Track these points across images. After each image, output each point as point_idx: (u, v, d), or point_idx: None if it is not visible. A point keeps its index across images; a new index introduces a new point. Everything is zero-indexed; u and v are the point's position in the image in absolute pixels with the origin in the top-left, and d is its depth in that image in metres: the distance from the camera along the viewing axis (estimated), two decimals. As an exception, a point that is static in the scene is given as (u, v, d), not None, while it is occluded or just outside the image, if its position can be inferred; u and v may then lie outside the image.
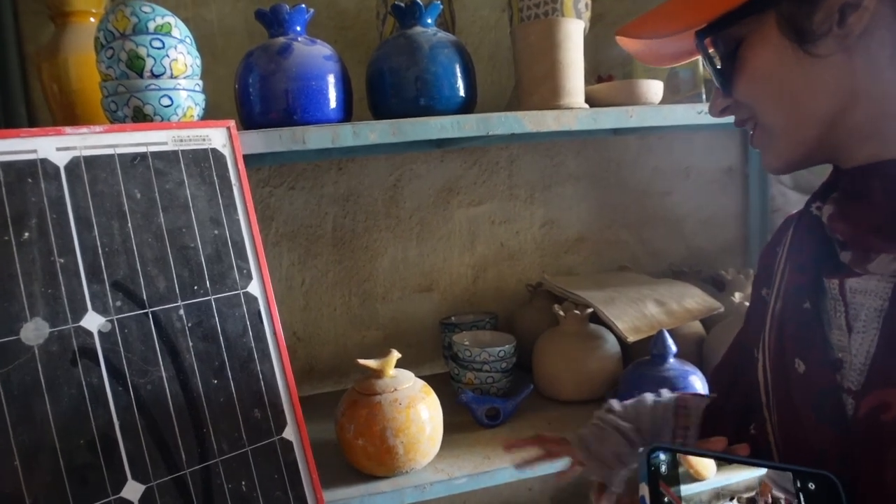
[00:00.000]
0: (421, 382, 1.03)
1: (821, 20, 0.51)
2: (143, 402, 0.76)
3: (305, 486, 0.85)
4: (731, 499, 0.48)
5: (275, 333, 0.87)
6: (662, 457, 0.48)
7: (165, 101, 0.88)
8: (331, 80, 0.97)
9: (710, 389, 0.84)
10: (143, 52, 0.86)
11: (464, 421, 1.16)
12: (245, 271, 0.86)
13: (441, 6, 1.06)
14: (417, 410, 0.98)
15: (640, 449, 0.49)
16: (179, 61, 0.88)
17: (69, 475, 0.70)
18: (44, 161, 0.75)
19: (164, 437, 0.77)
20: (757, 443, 0.65)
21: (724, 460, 0.49)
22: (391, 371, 1.03)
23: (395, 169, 1.40)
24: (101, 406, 0.74)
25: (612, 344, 1.22)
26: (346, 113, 1.01)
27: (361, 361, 1.01)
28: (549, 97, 1.04)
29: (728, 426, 0.73)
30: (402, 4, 1.03)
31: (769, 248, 0.71)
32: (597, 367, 1.19)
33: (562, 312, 1.24)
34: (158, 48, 0.86)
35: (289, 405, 0.86)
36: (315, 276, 1.37)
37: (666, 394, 0.80)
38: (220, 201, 0.86)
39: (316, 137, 0.92)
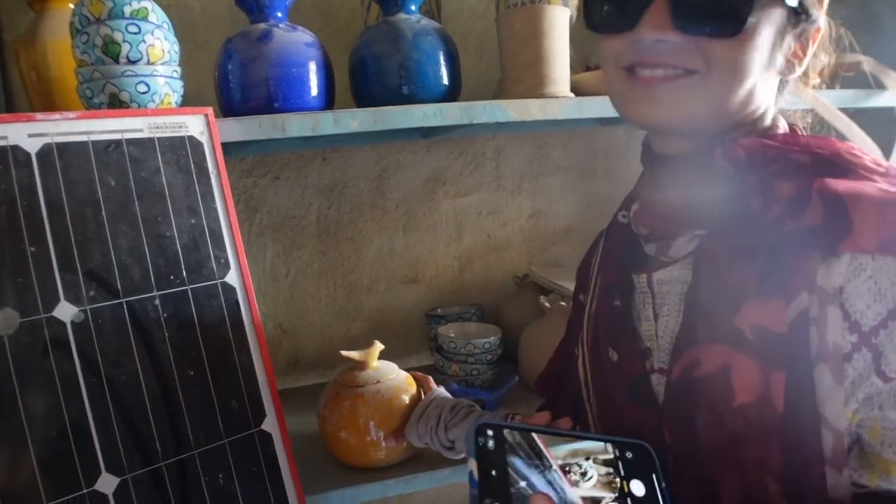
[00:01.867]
0: (404, 374, 1.02)
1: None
2: (118, 394, 0.75)
3: (285, 479, 0.84)
4: (588, 458, 0.49)
5: (253, 323, 0.85)
6: (490, 433, 0.49)
7: (142, 88, 0.86)
8: (312, 67, 0.96)
9: (541, 395, 0.91)
10: (118, 37, 0.84)
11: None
12: (223, 261, 0.85)
13: (425, -7, 1.05)
14: (401, 402, 0.97)
15: (469, 427, 0.50)
16: (156, 47, 0.87)
17: (41, 467, 0.69)
18: (14, 148, 0.73)
19: (138, 429, 0.75)
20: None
21: (548, 433, 0.51)
22: (374, 363, 1.02)
23: (380, 159, 1.38)
24: (73, 397, 0.72)
25: (597, 335, 1.21)
26: (328, 101, 1.00)
27: (344, 353, 1.00)
28: (534, 86, 1.03)
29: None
30: (386, -9, 1.01)
31: (585, 259, 0.81)
32: (582, 358, 1.18)
33: (547, 304, 1.23)
34: (135, 33, 0.85)
35: (268, 396, 0.85)
36: (300, 267, 1.36)
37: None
38: (198, 189, 0.84)
39: (296, 125, 0.91)
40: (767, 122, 0.61)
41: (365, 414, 0.95)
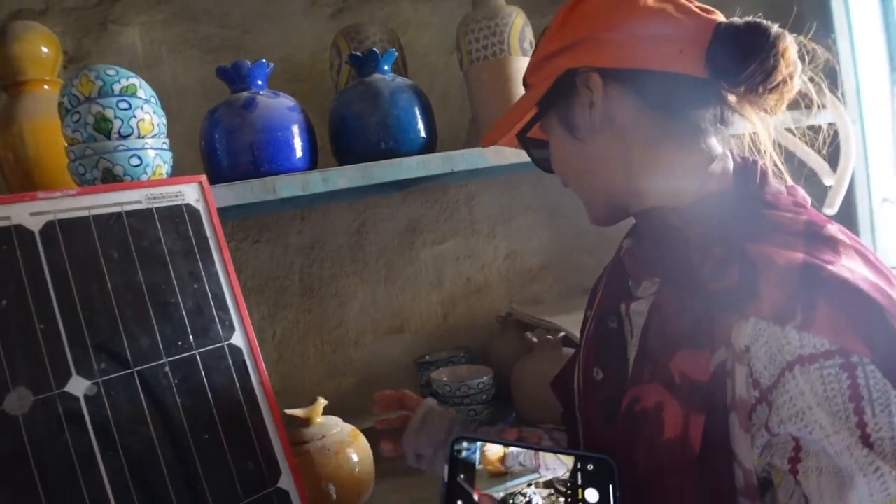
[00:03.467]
0: (349, 427, 1.05)
1: (578, 115, 0.68)
2: (135, 464, 0.74)
3: (305, 536, 0.83)
4: (529, 485, 0.54)
5: (262, 382, 0.86)
6: (466, 445, 0.54)
7: (135, 161, 0.88)
8: (296, 130, 1.00)
9: (556, 396, 0.95)
10: (110, 113, 0.86)
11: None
12: (227, 323, 0.86)
13: (396, 53, 1.10)
14: (347, 455, 0.99)
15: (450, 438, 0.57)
16: (146, 121, 0.89)
17: (63, 548, 0.68)
18: (18, 227, 0.74)
19: (158, 498, 0.75)
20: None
21: (519, 447, 0.56)
22: (318, 418, 1.04)
23: (358, 214, 1.42)
24: (91, 472, 0.71)
25: (586, 365, 1.25)
26: (312, 161, 1.03)
27: (288, 412, 1.01)
28: (507, 132, 1.08)
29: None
30: (360, 54, 1.07)
31: (599, 278, 0.86)
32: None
33: (535, 339, 1.26)
34: (125, 109, 0.87)
35: (281, 454, 0.85)
36: (286, 327, 1.37)
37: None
38: (198, 255, 0.86)
39: (286, 186, 0.94)
40: (705, 177, 0.65)
41: (313, 469, 0.96)
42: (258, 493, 0.82)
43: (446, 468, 0.53)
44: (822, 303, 0.52)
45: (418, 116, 1.05)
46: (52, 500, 0.69)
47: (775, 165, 0.68)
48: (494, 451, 0.56)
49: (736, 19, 0.62)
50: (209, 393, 0.82)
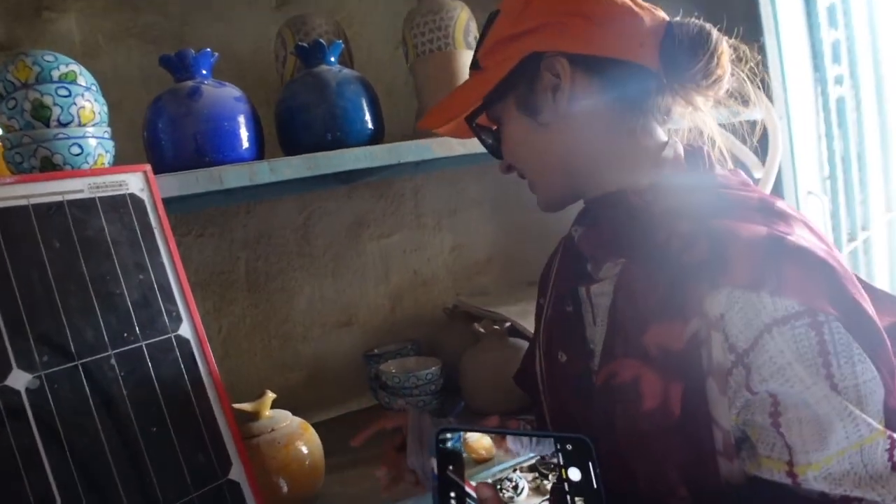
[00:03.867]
0: (298, 420, 1.06)
1: (540, 100, 0.70)
2: (81, 459, 0.73)
3: (257, 526, 0.83)
4: (514, 470, 0.57)
5: (210, 374, 0.85)
6: (449, 435, 0.57)
7: (75, 150, 0.86)
8: (242, 120, 0.99)
9: (520, 388, 0.96)
10: (48, 100, 0.84)
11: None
12: (174, 314, 0.85)
13: (343, 45, 1.11)
14: (297, 447, 1.00)
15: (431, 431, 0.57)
16: (87, 109, 0.87)
17: (6, 545, 0.66)
18: (-49, 217, 0.72)
19: (106, 493, 0.73)
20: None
21: (499, 433, 0.59)
22: (267, 412, 1.04)
23: (303, 208, 1.41)
24: (35, 468, 0.69)
25: (532, 354, 1.28)
26: (259, 152, 1.03)
27: (236, 406, 1.00)
28: (454, 124, 1.10)
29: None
30: (306, 45, 1.07)
31: (547, 265, 0.90)
32: (522, 376, 1.24)
33: (482, 329, 1.29)
34: (65, 96, 0.85)
35: (232, 446, 0.84)
36: (232, 322, 1.35)
37: None
38: (143, 245, 0.84)
39: (233, 176, 0.93)
40: (653, 158, 0.70)
41: (263, 462, 0.96)
42: (209, 485, 0.81)
43: (434, 461, 0.55)
44: (789, 269, 0.56)
45: (365, 108, 1.06)
46: (-7, 497, 0.67)
47: (719, 151, 0.73)
48: (478, 438, 0.57)
49: (684, 20, 0.67)
50: (157, 385, 0.81)
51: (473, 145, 1.09)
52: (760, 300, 0.56)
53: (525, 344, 1.28)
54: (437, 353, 1.39)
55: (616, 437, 0.64)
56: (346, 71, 1.07)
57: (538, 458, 0.57)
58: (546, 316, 0.81)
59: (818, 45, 1.49)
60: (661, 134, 0.72)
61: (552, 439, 0.57)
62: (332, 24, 1.22)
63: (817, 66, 1.50)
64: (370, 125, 1.06)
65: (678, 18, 0.69)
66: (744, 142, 1.01)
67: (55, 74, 0.85)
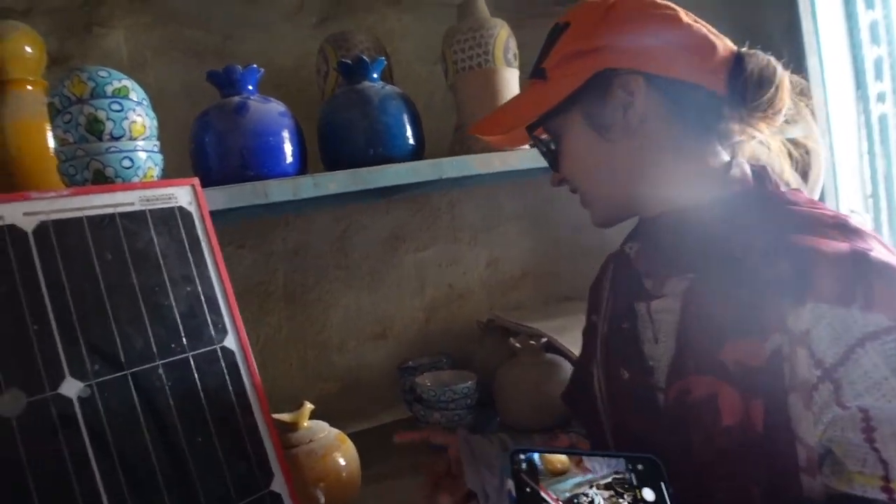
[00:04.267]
0: (336, 431, 1.06)
1: (610, 116, 0.70)
2: (129, 467, 0.74)
3: (297, 539, 0.83)
4: (591, 486, 0.57)
5: (254, 385, 0.86)
6: (522, 456, 0.57)
7: (126, 163, 0.88)
8: (286, 135, 1.00)
9: (567, 407, 0.97)
10: (102, 115, 0.86)
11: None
12: (220, 326, 0.86)
13: (385, 61, 1.12)
14: (334, 459, 1.00)
15: (504, 452, 0.60)
16: (138, 123, 0.89)
17: (56, 551, 0.67)
18: (11, 227, 0.74)
19: (152, 501, 0.74)
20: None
21: (571, 454, 0.59)
22: (305, 422, 1.05)
23: (340, 221, 1.43)
24: (85, 475, 0.71)
25: (568, 370, 1.27)
26: (302, 167, 1.04)
27: (275, 416, 1.01)
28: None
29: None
30: (349, 61, 1.08)
31: (596, 282, 0.89)
32: (557, 393, 1.21)
33: (518, 344, 1.28)
34: (117, 111, 0.87)
35: (274, 457, 0.85)
36: (269, 333, 1.36)
37: None
38: (191, 258, 0.86)
39: (278, 191, 0.95)
40: (720, 178, 0.70)
41: (301, 473, 0.96)
42: (251, 496, 0.82)
43: (510, 482, 0.55)
44: (877, 284, 0.57)
45: (407, 124, 1.07)
46: (45, 502, 0.68)
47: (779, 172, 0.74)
48: (553, 456, 0.58)
49: (752, 51, 0.69)
50: (202, 395, 0.82)
51: (512, 161, 1.11)
52: (851, 315, 0.56)
53: (562, 360, 1.28)
54: (471, 367, 1.39)
55: (692, 455, 0.64)
56: (389, 87, 1.08)
57: (614, 475, 0.57)
58: (602, 333, 0.81)
59: (860, 62, 1.47)
60: (725, 155, 0.72)
61: (623, 460, 0.57)
62: (372, 40, 1.24)
63: (859, 83, 1.48)
64: (411, 141, 1.07)
65: (745, 49, 0.70)
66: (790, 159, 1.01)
67: (109, 90, 0.87)
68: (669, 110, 0.69)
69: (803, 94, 0.72)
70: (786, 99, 0.69)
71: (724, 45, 0.70)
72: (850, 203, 1.42)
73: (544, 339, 1.28)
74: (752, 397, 0.60)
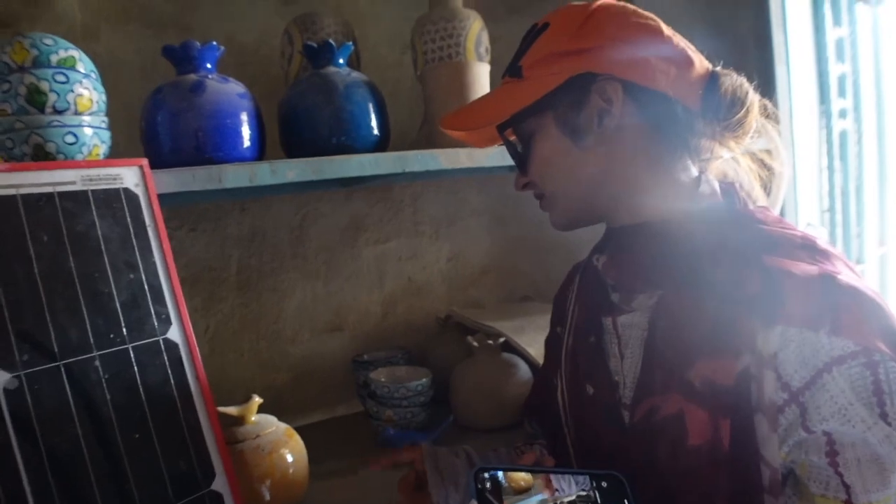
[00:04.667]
0: (284, 426, 1.03)
1: (584, 121, 0.68)
2: (58, 463, 0.69)
3: (237, 541, 0.80)
4: (555, 503, 0.58)
5: (198, 379, 0.82)
6: (486, 475, 0.57)
7: (70, 139, 0.82)
8: (244, 118, 0.96)
9: (528, 420, 0.96)
10: (45, 86, 0.80)
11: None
12: (164, 316, 0.82)
13: (352, 47, 1.08)
14: (281, 455, 0.97)
15: (469, 468, 0.58)
16: (85, 97, 0.84)
17: (-27, 552, 0.63)
18: (-64, 203, 0.68)
19: (82, 499, 0.70)
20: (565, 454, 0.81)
21: (535, 472, 0.59)
22: (253, 417, 1.02)
23: (299, 208, 1.38)
24: (9, 470, 0.66)
25: (524, 371, 1.26)
26: (260, 151, 1.00)
27: (221, 409, 0.98)
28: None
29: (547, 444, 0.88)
30: (315, 45, 1.04)
31: (561, 292, 0.88)
32: (513, 393, 1.22)
33: (475, 343, 1.26)
34: (62, 82, 0.81)
35: (216, 455, 0.81)
36: (220, 320, 1.31)
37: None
38: (135, 243, 0.81)
39: (233, 176, 0.90)
40: (689, 192, 0.70)
41: (246, 469, 0.93)
42: (191, 496, 0.78)
43: (474, 501, 0.55)
44: (844, 309, 0.57)
45: (372, 113, 1.03)
46: (-38, 501, 0.63)
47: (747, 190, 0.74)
48: (518, 474, 0.58)
49: (726, 72, 0.69)
50: (142, 389, 0.78)
51: (479, 158, 1.08)
52: (818, 339, 0.56)
53: (519, 360, 1.26)
54: (428, 362, 1.37)
55: (657, 472, 0.64)
56: (355, 74, 1.05)
57: (579, 493, 0.57)
58: (567, 346, 0.80)
59: (825, 77, 1.49)
60: (695, 170, 0.71)
61: (587, 477, 0.57)
62: (341, 23, 1.19)
63: (823, 98, 1.49)
64: (376, 131, 1.04)
65: (720, 68, 0.70)
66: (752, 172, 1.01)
67: (54, 59, 0.81)
68: (645, 121, 0.68)
69: (770, 117, 0.73)
70: (753, 121, 0.70)
71: (701, 62, 0.69)
72: (808, 217, 1.44)
73: (502, 339, 1.26)
74: (720, 417, 0.60)
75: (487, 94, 0.79)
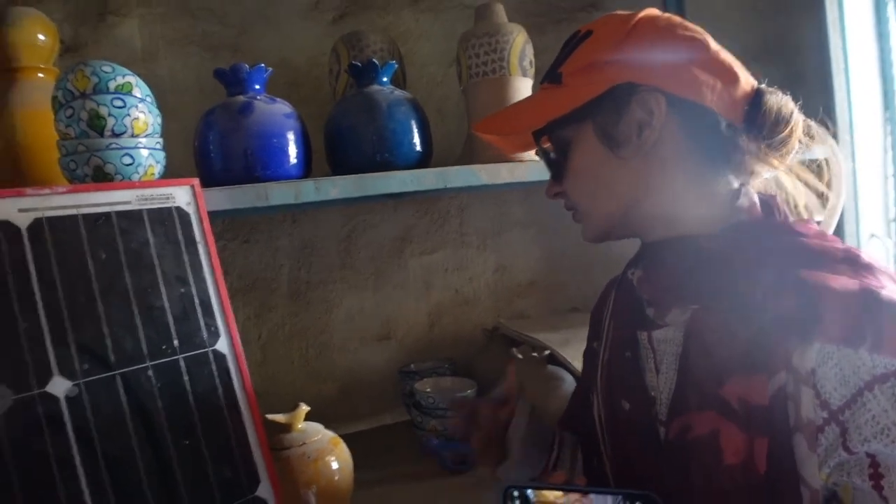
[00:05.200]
0: (330, 434, 1.05)
1: (624, 132, 0.67)
2: (114, 469, 0.73)
3: (280, 546, 0.83)
4: None
5: (245, 389, 0.86)
6: (516, 493, 0.57)
7: (127, 160, 0.87)
8: (291, 137, 0.99)
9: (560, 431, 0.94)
10: (104, 111, 0.85)
11: (426, 470, 1.17)
12: (213, 329, 0.86)
13: (396, 65, 1.10)
14: (327, 462, 0.99)
15: (497, 486, 0.59)
16: (140, 120, 0.89)
17: (36, 551, 0.67)
18: (4, 223, 0.73)
19: (135, 501, 0.74)
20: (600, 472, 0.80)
21: (567, 490, 0.58)
22: (300, 425, 1.04)
23: (348, 220, 1.42)
24: (69, 475, 0.71)
25: (570, 383, 1.25)
26: (306, 169, 1.03)
27: (269, 417, 1.01)
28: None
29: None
30: (359, 64, 1.07)
31: (597, 307, 0.88)
32: (557, 406, 1.21)
33: (520, 355, 1.27)
34: (119, 107, 0.87)
35: (261, 463, 0.84)
36: (271, 329, 1.36)
37: None
38: (186, 259, 0.85)
39: (279, 194, 0.94)
40: (727, 205, 0.68)
41: (290, 476, 0.95)
42: (236, 501, 0.81)
43: None
44: (887, 325, 0.55)
45: (415, 130, 1.05)
46: (28, 502, 0.68)
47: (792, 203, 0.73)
48: (548, 493, 0.58)
49: (771, 90, 0.68)
50: (191, 398, 0.81)
51: (520, 173, 1.09)
52: (859, 357, 0.55)
53: (564, 373, 1.26)
54: (473, 374, 1.38)
55: (692, 492, 0.62)
56: (398, 92, 1.07)
57: None
58: (603, 360, 0.79)
59: (890, 82, 1.43)
60: (735, 183, 0.70)
61: (620, 497, 0.56)
62: (387, 41, 1.22)
63: (888, 104, 1.43)
64: (418, 147, 1.06)
65: (764, 86, 0.68)
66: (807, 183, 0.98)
67: (112, 85, 0.87)
68: (687, 135, 0.67)
69: (814, 137, 0.71)
70: (797, 141, 0.68)
71: (747, 78, 0.68)
72: (871, 227, 1.38)
73: (547, 352, 1.26)
74: (756, 436, 0.58)
75: (525, 100, 0.78)
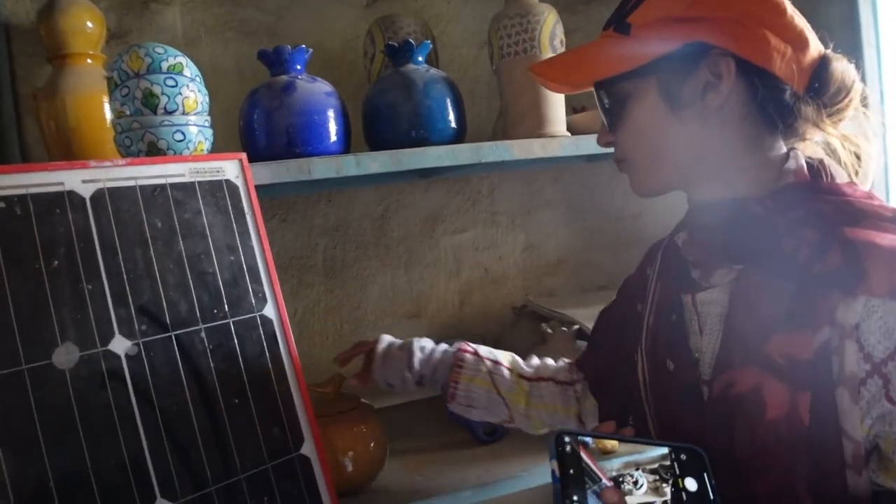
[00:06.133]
0: (366, 404, 1.10)
1: (689, 92, 0.66)
2: (170, 423, 0.79)
3: (325, 502, 0.87)
4: (637, 468, 0.59)
5: (290, 353, 0.90)
6: (568, 439, 0.58)
7: (178, 136, 0.92)
8: (331, 114, 1.03)
9: (582, 373, 0.97)
10: (157, 90, 0.90)
11: (458, 440, 1.22)
12: (260, 295, 0.90)
13: (431, 45, 1.13)
14: (363, 430, 1.05)
15: (549, 432, 0.60)
16: (191, 98, 0.93)
17: (101, 496, 0.72)
18: (70, 193, 0.79)
19: (189, 456, 0.79)
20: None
21: (616, 439, 0.62)
22: (338, 393, 1.09)
23: (381, 200, 1.46)
24: (130, 428, 0.76)
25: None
26: (346, 145, 1.07)
27: (310, 384, 1.05)
28: (535, 126, 1.12)
29: (611, 409, 0.89)
30: (395, 44, 1.10)
31: (640, 271, 0.89)
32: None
33: (549, 330, 1.30)
34: (172, 86, 0.91)
35: (305, 423, 0.89)
36: (307, 305, 1.41)
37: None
38: (235, 229, 0.90)
39: (321, 168, 0.98)
40: (776, 169, 0.69)
41: (330, 441, 0.99)
42: (282, 458, 0.86)
43: (554, 462, 0.56)
44: None
45: (449, 108, 1.09)
46: (93, 451, 0.73)
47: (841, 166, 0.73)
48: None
49: (837, 56, 0.68)
50: (241, 360, 0.86)
51: (552, 148, 1.11)
52: None
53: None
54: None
55: (735, 448, 0.64)
56: (433, 71, 1.10)
57: (660, 463, 0.59)
58: (648, 323, 0.80)
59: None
60: (784, 147, 0.70)
61: (667, 448, 0.58)
62: (420, 23, 1.25)
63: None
64: (453, 124, 1.09)
65: (830, 51, 0.68)
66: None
67: (164, 66, 0.91)
68: (750, 100, 0.66)
69: (864, 104, 0.70)
70: (853, 109, 0.68)
71: (815, 44, 0.67)
72: (900, 202, 1.39)
73: (576, 327, 1.29)
74: (799, 390, 0.59)
75: (587, 47, 0.74)
